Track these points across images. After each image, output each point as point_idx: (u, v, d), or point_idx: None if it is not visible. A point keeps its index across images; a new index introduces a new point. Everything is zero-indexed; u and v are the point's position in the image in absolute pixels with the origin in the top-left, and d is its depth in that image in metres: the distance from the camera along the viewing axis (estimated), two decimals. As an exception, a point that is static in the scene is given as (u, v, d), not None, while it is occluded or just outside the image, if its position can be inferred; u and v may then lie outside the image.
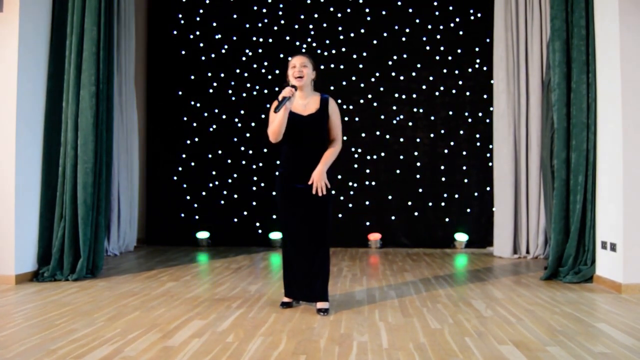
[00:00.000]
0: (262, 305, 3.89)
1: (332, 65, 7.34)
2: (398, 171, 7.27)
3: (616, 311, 3.72)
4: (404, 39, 7.32)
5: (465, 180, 7.20)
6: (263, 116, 7.25)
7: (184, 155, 7.43)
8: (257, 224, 7.33)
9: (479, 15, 7.20)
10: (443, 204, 7.21)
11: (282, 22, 7.42)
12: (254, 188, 7.36)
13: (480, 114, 7.19)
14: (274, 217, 7.16)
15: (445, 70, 7.26)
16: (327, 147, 3.73)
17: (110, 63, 5.08)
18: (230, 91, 7.43)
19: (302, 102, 3.71)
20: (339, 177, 7.26)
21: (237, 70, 7.42)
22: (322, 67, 7.34)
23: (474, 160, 7.20)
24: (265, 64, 7.40)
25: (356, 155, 7.31)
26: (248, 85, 7.41)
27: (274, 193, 7.15)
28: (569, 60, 4.91)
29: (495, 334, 3.15)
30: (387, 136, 7.29)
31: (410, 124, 7.29)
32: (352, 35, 7.37)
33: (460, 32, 7.24)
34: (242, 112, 7.40)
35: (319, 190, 3.60)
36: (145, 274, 5.13)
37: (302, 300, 3.84)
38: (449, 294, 4.28)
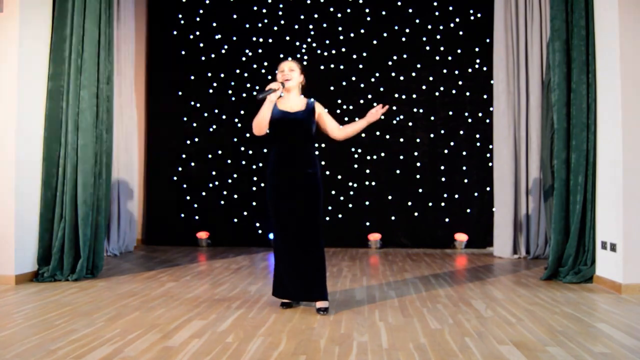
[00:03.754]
0: (262, 305, 3.89)
1: (332, 66, 7.35)
2: (398, 171, 7.27)
3: (616, 311, 3.72)
4: (403, 39, 7.32)
5: (465, 181, 7.20)
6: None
7: (184, 155, 7.43)
8: (257, 224, 7.33)
9: (479, 15, 7.20)
10: (443, 204, 7.21)
11: (282, 22, 7.42)
12: (254, 188, 7.36)
13: (480, 114, 7.19)
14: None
15: (445, 71, 7.26)
16: (313, 146, 3.91)
17: (111, 63, 5.08)
18: (230, 91, 7.43)
19: (289, 103, 3.85)
20: (339, 177, 7.26)
21: (237, 71, 7.42)
22: (322, 67, 7.35)
23: (474, 160, 7.21)
24: (265, 64, 7.40)
25: (356, 156, 7.31)
26: (248, 85, 7.41)
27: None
28: (569, 60, 4.90)
29: (495, 334, 3.15)
30: (387, 136, 7.29)
31: (410, 124, 7.29)
32: (352, 35, 7.37)
33: (460, 33, 7.24)
34: (242, 112, 7.40)
35: (379, 109, 3.83)
36: (145, 274, 5.13)
37: (300, 300, 3.84)
38: (449, 294, 4.28)
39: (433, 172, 7.25)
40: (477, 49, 7.19)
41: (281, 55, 7.31)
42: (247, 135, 7.38)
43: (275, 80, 3.89)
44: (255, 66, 7.42)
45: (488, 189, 7.07)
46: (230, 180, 7.40)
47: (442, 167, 7.23)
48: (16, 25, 4.60)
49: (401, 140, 7.28)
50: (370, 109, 7.34)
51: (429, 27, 7.29)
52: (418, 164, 7.26)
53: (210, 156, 7.42)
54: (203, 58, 7.44)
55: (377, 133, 7.28)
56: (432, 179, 7.25)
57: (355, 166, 7.31)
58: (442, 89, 7.26)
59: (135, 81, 6.96)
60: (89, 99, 4.83)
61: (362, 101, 7.31)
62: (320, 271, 3.72)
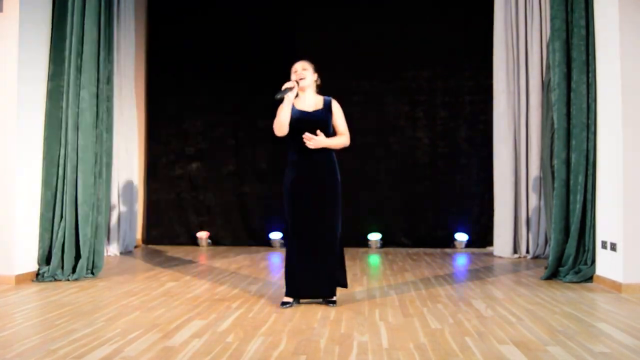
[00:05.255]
0: (262, 305, 3.89)
1: (332, 65, 7.33)
2: (398, 171, 7.27)
3: (616, 311, 3.72)
4: (404, 38, 7.32)
5: (466, 180, 7.20)
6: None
7: (184, 156, 7.42)
8: (258, 224, 7.33)
9: (479, 15, 7.19)
10: (443, 203, 7.20)
11: (283, 22, 7.42)
12: (254, 188, 7.35)
13: (480, 114, 7.18)
14: (274, 217, 7.16)
15: (445, 70, 7.25)
16: None
17: (110, 63, 5.08)
18: (230, 91, 7.42)
19: (306, 102, 3.89)
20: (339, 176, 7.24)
21: (238, 71, 7.41)
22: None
23: (474, 160, 7.20)
24: (266, 64, 7.39)
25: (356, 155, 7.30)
26: (249, 85, 7.41)
27: (274, 193, 7.17)
28: (569, 60, 4.90)
29: (495, 334, 3.15)
30: (387, 136, 7.29)
31: (410, 123, 7.28)
32: (352, 35, 7.36)
33: (461, 32, 7.24)
34: (243, 112, 7.40)
35: (307, 139, 3.69)
36: (145, 274, 5.13)
37: (311, 297, 3.88)
38: (449, 294, 4.28)
39: (433, 172, 7.25)
40: (477, 49, 7.18)
41: (282, 56, 7.32)
42: (248, 135, 7.38)
43: (283, 74, 3.93)
44: (255, 66, 7.41)
45: (488, 188, 7.06)
46: (230, 180, 7.39)
47: (442, 167, 7.23)
48: (16, 25, 4.60)
49: (401, 140, 7.27)
50: (370, 108, 7.36)
51: (429, 26, 7.28)
52: (418, 164, 7.26)
53: (210, 156, 7.42)
54: (203, 58, 7.44)
55: (378, 133, 7.28)
56: (432, 178, 7.24)
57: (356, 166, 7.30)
58: (442, 88, 7.25)
59: (135, 81, 6.96)
60: (89, 98, 4.83)
61: (362, 101, 7.30)
62: (334, 268, 3.84)
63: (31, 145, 4.75)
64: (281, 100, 3.78)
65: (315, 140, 3.72)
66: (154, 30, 7.53)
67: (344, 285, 3.99)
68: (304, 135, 3.70)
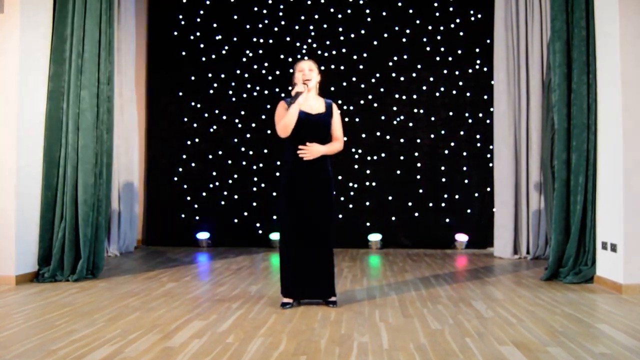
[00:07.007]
0: (263, 305, 3.89)
1: (333, 66, 7.34)
2: (398, 172, 7.27)
3: (617, 312, 3.72)
4: (404, 39, 7.32)
5: (466, 181, 7.20)
6: (264, 117, 7.26)
7: (184, 156, 7.43)
8: (258, 225, 7.33)
9: (479, 16, 7.20)
10: (443, 204, 7.20)
11: (283, 23, 7.42)
12: (254, 189, 7.36)
13: (480, 115, 7.18)
14: (274, 217, 7.17)
15: (445, 71, 7.25)
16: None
17: (111, 64, 5.08)
18: (230, 92, 7.43)
19: (309, 103, 3.89)
20: (339, 177, 7.25)
21: (238, 71, 7.42)
22: (322, 68, 7.30)
23: (474, 160, 7.20)
24: (266, 64, 7.40)
25: (356, 156, 7.30)
26: (248, 86, 7.41)
27: (274, 194, 7.18)
28: (570, 61, 4.90)
29: (495, 335, 3.15)
30: (388, 137, 7.29)
31: (410, 124, 7.28)
32: (352, 36, 7.37)
33: (461, 33, 7.24)
34: (243, 112, 7.40)
35: (302, 152, 3.77)
36: (146, 275, 5.13)
37: (308, 299, 3.88)
38: (450, 295, 4.28)
39: (433, 173, 7.24)
40: (477, 50, 7.19)
41: (282, 57, 7.33)
42: (248, 135, 7.38)
43: (292, 78, 3.94)
44: (255, 67, 7.41)
45: (488, 189, 7.07)
46: (230, 181, 7.39)
47: (443, 168, 7.23)
48: (17, 26, 4.60)
49: (401, 140, 7.27)
50: (371, 109, 7.40)
51: (430, 27, 7.28)
52: (418, 165, 7.26)
53: (210, 156, 7.42)
54: (203, 59, 7.44)
55: (378, 134, 7.28)
56: (433, 179, 7.24)
57: (356, 167, 7.31)
58: (442, 89, 7.25)
59: (135, 81, 6.96)
60: (89, 99, 4.83)
61: (362, 102, 7.31)
62: (331, 269, 3.87)
63: (32, 145, 4.75)
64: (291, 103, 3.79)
65: (311, 151, 3.76)
66: (154, 30, 7.53)
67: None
68: (298, 150, 3.76)
